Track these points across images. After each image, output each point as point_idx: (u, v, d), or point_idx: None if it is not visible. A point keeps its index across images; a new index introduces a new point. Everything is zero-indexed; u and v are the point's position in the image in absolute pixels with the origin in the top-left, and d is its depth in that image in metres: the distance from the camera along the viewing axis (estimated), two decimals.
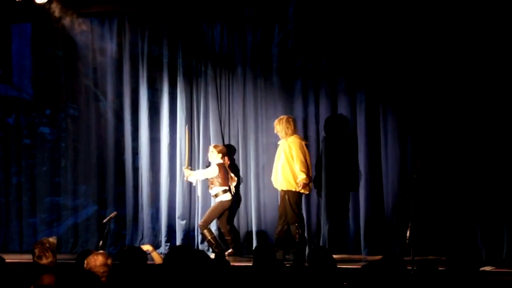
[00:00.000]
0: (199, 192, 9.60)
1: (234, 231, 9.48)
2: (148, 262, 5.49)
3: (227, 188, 9.22)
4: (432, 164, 8.58)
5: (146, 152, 10.14)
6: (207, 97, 9.90)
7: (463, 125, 8.65)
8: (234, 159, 9.73)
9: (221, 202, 9.19)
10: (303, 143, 8.78)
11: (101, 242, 8.40)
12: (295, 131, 8.78)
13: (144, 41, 10.19)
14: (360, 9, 9.16)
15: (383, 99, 9.04)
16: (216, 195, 9.22)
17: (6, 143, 10.73)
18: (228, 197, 9.21)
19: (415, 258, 6.98)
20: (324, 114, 9.34)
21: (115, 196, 10.29)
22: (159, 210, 10.08)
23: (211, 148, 9.34)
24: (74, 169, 10.48)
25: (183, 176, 9.52)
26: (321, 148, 9.32)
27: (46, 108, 10.67)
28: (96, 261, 5.21)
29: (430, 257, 8.27)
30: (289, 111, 9.40)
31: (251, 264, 5.95)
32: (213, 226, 9.38)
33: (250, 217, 9.60)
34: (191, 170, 9.44)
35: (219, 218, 9.26)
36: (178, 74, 10.03)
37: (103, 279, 5.13)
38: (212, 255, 8.80)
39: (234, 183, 9.38)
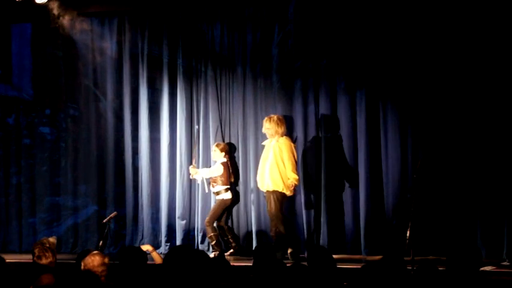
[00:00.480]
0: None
1: (232, 231, 9.50)
2: (148, 262, 5.49)
3: (228, 186, 9.29)
4: (432, 164, 8.59)
5: (146, 152, 10.14)
6: (207, 97, 9.90)
7: (463, 125, 8.65)
8: (234, 157, 9.73)
9: (223, 200, 9.25)
10: (293, 144, 8.79)
11: (101, 242, 8.40)
12: (285, 132, 8.79)
13: (144, 41, 10.19)
14: (359, 9, 9.16)
15: (383, 98, 9.04)
16: (217, 193, 9.28)
17: (6, 143, 10.72)
18: (229, 195, 9.28)
19: (415, 258, 6.98)
20: (324, 113, 9.34)
21: (115, 196, 10.29)
22: (159, 210, 10.07)
23: (213, 147, 9.40)
24: (74, 169, 10.47)
25: (189, 174, 9.53)
26: (321, 148, 9.31)
27: (46, 108, 10.66)
28: (94, 261, 5.22)
29: (430, 257, 8.28)
30: (289, 111, 9.42)
31: (251, 264, 5.96)
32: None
33: (250, 217, 9.60)
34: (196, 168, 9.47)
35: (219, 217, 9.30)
36: (178, 74, 10.03)
37: (102, 278, 5.14)
38: (211, 254, 8.81)
39: (232, 180, 9.43)
